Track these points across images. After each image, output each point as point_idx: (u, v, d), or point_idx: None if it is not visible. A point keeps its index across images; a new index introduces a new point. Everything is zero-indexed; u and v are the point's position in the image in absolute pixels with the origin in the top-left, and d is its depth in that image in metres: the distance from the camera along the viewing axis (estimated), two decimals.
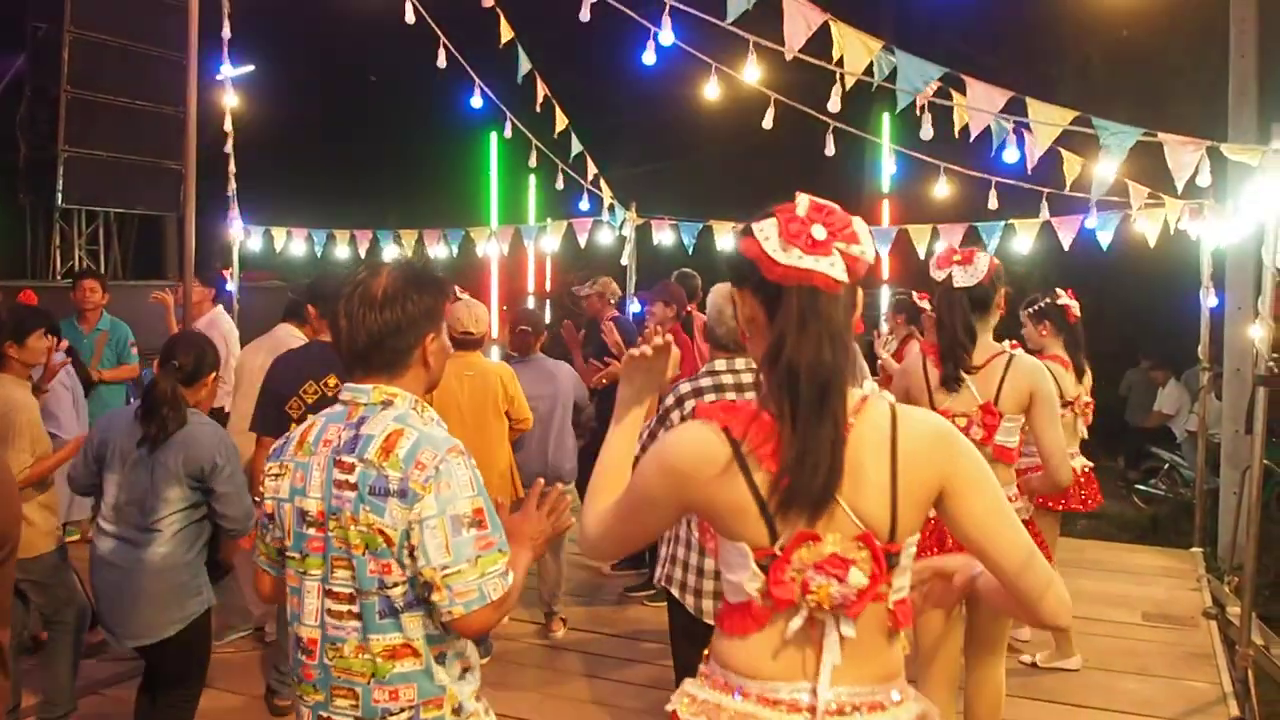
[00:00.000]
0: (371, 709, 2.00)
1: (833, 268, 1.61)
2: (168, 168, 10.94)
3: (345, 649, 2.01)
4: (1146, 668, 5.10)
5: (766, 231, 1.63)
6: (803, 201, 1.66)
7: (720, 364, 3.28)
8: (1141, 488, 10.81)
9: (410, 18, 5.74)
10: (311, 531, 2.03)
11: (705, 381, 3.25)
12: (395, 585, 1.97)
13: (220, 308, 6.83)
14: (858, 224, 1.66)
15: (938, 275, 3.41)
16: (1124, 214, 6.84)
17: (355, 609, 1.99)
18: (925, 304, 5.77)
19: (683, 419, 3.26)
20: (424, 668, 2.01)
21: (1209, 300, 7.10)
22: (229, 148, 6.86)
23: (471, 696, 2.10)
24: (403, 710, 2.00)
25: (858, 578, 1.59)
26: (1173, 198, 6.27)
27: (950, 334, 3.35)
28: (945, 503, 1.66)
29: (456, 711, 2.05)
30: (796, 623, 1.63)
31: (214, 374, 3.63)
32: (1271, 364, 4.92)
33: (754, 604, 1.66)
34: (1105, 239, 7.15)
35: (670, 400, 3.26)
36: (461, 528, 1.94)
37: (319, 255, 9.21)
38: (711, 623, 3.02)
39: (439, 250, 8.78)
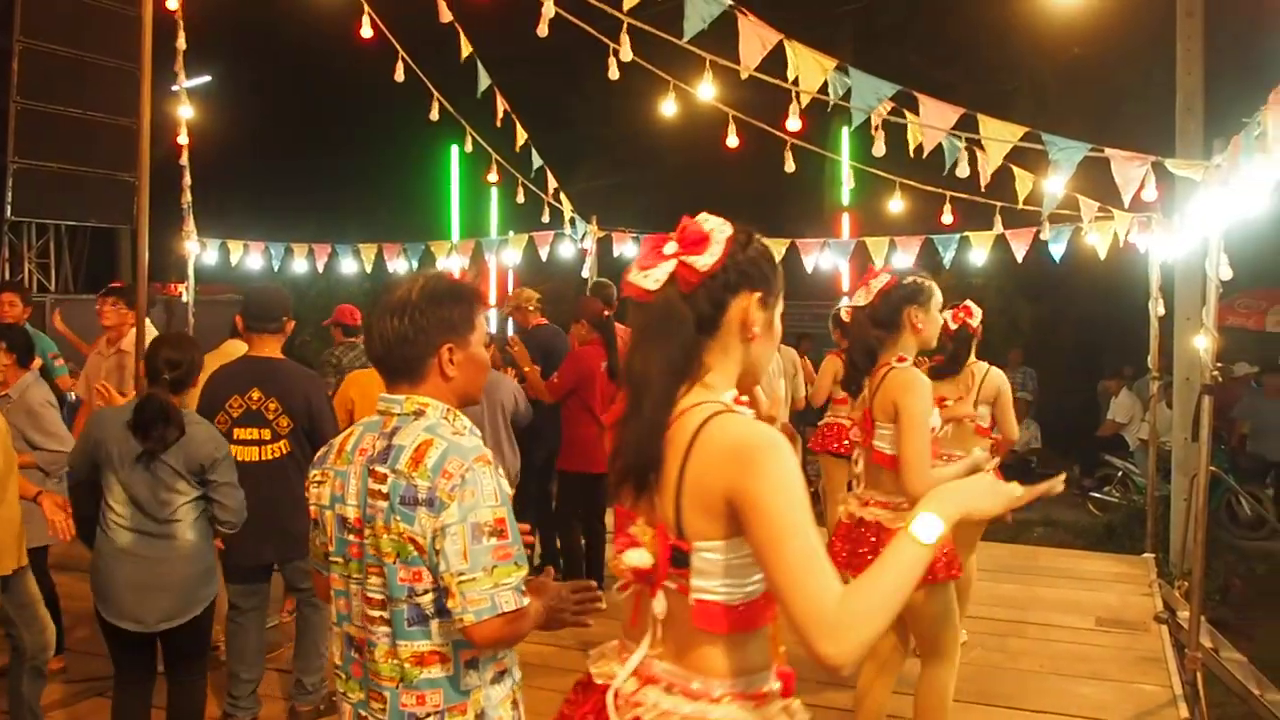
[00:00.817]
0: (399, 713, 2.04)
1: (645, 279, 1.76)
2: (121, 180, 10.82)
3: (376, 654, 2.05)
4: (1100, 672, 5.19)
5: (636, 259, 1.82)
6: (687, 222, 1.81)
7: None
8: (1096, 495, 10.99)
9: (368, 32, 5.73)
10: (351, 538, 2.08)
11: None
12: (425, 593, 2.01)
13: (148, 324, 6.72)
14: (717, 234, 1.75)
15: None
16: (1075, 227, 6.99)
17: (386, 615, 2.04)
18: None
19: None
20: (451, 674, 2.04)
21: (1158, 311, 7.25)
22: (184, 160, 6.79)
23: (503, 703, 2.12)
24: (428, 715, 2.03)
25: (635, 557, 1.75)
26: (1122, 211, 6.41)
27: (850, 349, 3.71)
28: (738, 517, 1.64)
29: (479, 718, 2.08)
30: (628, 589, 1.82)
31: (196, 383, 3.74)
32: (1215, 373, 5.04)
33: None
34: (1057, 251, 7.30)
35: None
36: (481, 536, 1.97)
37: (276, 269, 9.14)
38: None
39: (399, 264, 8.75)
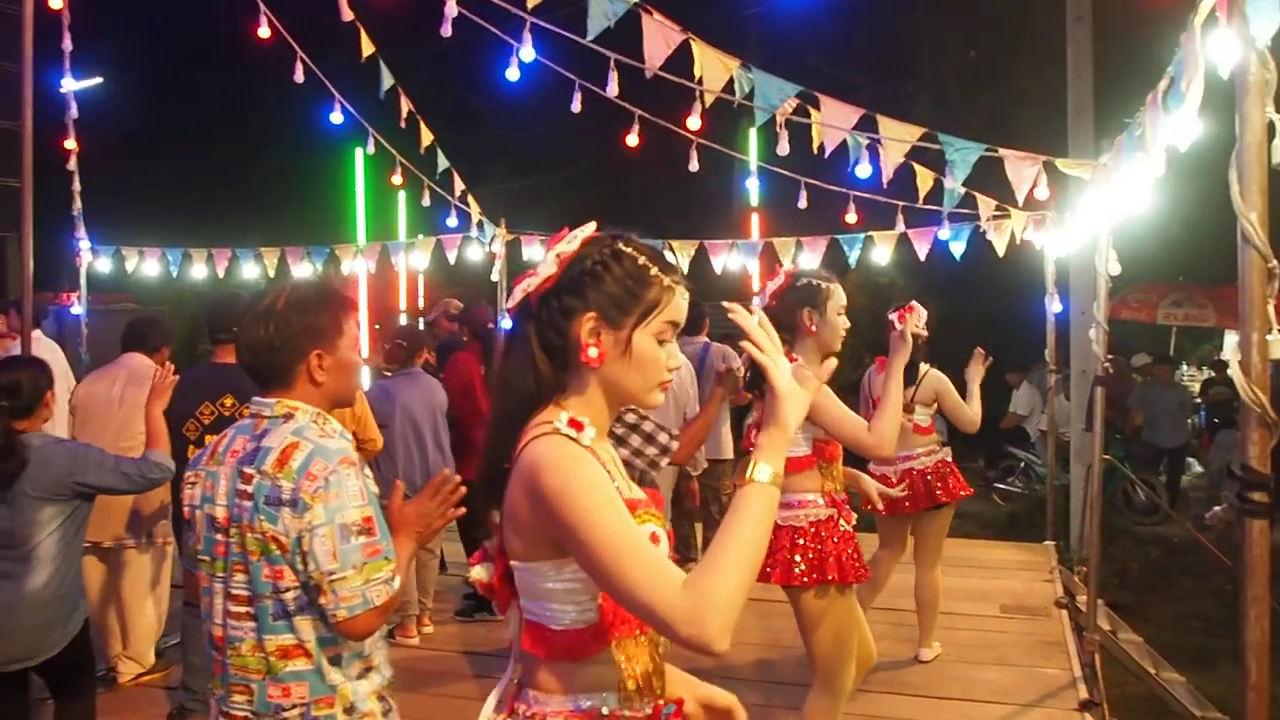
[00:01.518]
0: (265, 704, 2.11)
1: (514, 294, 1.72)
2: (4, 185, 10.38)
3: (243, 648, 2.12)
4: (1004, 658, 5.33)
5: None
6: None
7: None
8: (1000, 486, 11.32)
9: (266, 32, 5.60)
10: (219, 537, 2.14)
11: None
12: (288, 590, 2.08)
13: (39, 335, 6.47)
14: (564, 245, 1.69)
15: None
16: (974, 225, 7.18)
17: (252, 610, 2.10)
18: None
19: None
20: (315, 667, 2.11)
21: (1054, 306, 7.48)
22: (72, 164, 6.55)
23: (370, 697, 2.19)
24: (294, 707, 2.10)
25: (478, 572, 1.82)
26: (1018, 210, 6.60)
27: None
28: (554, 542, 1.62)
29: (349, 710, 2.14)
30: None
31: (50, 391, 3.53)
32: (1107, 365, 5.22)
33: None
34: (958, 249, 7.47)
35: None
36: (350, 535, 2.05)
37: (174, 275, 8.88)
38: None
39: (303, 269, 8.57)
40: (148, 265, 8.77)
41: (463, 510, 2.33)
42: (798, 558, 3.35)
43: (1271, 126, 2.13)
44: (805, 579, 3.33)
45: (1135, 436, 11.52)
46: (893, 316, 5.05)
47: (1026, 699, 4.79)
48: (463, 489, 2.33)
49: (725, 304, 1.77)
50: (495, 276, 8.76)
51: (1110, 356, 5.27)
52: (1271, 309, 2.16)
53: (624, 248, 1.69)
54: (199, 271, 8.91)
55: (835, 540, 3.39)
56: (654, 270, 1.69)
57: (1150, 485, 10.52)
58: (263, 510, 2.06)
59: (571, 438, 1.61)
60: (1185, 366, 15.28)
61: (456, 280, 11.89)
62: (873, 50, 14.85)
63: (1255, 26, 2.03)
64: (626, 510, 1.54)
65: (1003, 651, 5.43)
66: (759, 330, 1.58)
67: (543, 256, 1.70)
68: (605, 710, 1.67)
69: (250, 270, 8.77)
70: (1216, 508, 10.39)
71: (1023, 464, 11.19)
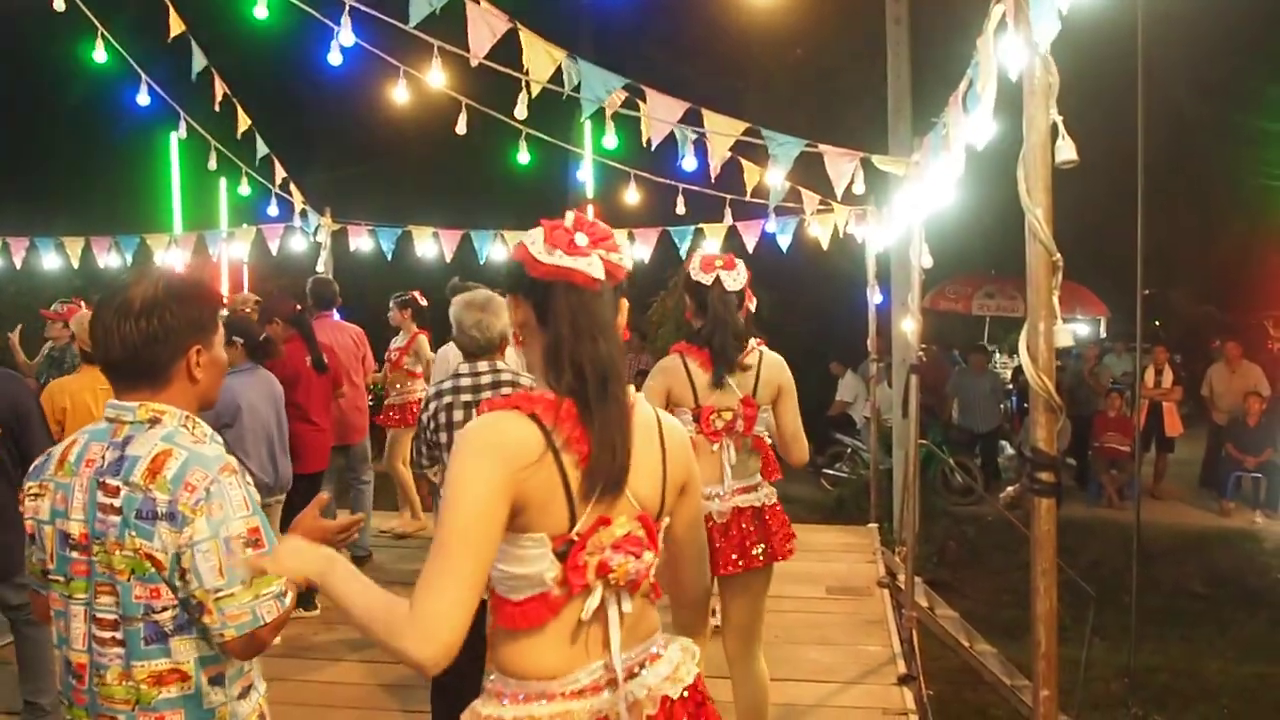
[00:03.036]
0: None
1: (590, 267, 1.73)
2: None
3: (108, 676, 1.94)
4: (828, 637, 5.52)
5: (533, 237, 1.76)
6: (569, 216, 1.79)
7: (464, 368, 3.55)
8: (829, 471, 11.72)
9: (61, 4, 5.23)
10: (75, 555, 1.95)
11: (447, 384, 3.53)
12: (164, 610, 1.92)
13: None
14: (619, 236, 1.82)
15: (704, 279, 3.55)
16: (799, 219, 7.39)
17: (119, 635, 1.93)
18: None
19: (446, 423, 3.45)
20: (191, 692, 1.96)
21: (875, 297, 7.79)
22: None
23: (250, 716, 2.07)
24: None
25: (649, 555, 1.77)
26: (839, 204, 6.83)
27: (724, 334, 3.51)
28: (682, 496, 1.89)
29: None
30: (593, 603, 1.71)
31: None
32: (920, 353, 5.46)
33: (550, 594, 1.70)
34: (784, 242, 7.69)
35: (426, 413, 3.50)
36: (236, 549, 1.90)
37: None
38: None
39: (111, 259, 8.08)
40: None
41: (354, 536, 2.21)
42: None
43: (1055, 127, 2.25)
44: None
45: (952, 422, 12.13)
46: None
47: (849, 676, 4.97)
48: (356, 535, 2.24)
49: None
50: (320, 267, 8.49)
51: (925, 345, 5.52)
52: (1056, 299, 2.28)
53: None
54: None
55: None
56: None
57: (966, 468, 11.11)
58: (134, 525, 1.88)
59: None
60: (998, 354, 16.19)
61: (282, 271, 11.46)
62: (706, 46, 15.08)
63: (1037, 31, 2.14)
64: None
65: (827, 631, 5.61)
66: None
67: (601, 241, 1.78)
68: None
69: (51, 260, 8.20)
70: (1010, 488, 11.09)
71: (849, 450, 11.62)
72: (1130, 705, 6.11)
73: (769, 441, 3.74)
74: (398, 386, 7.12)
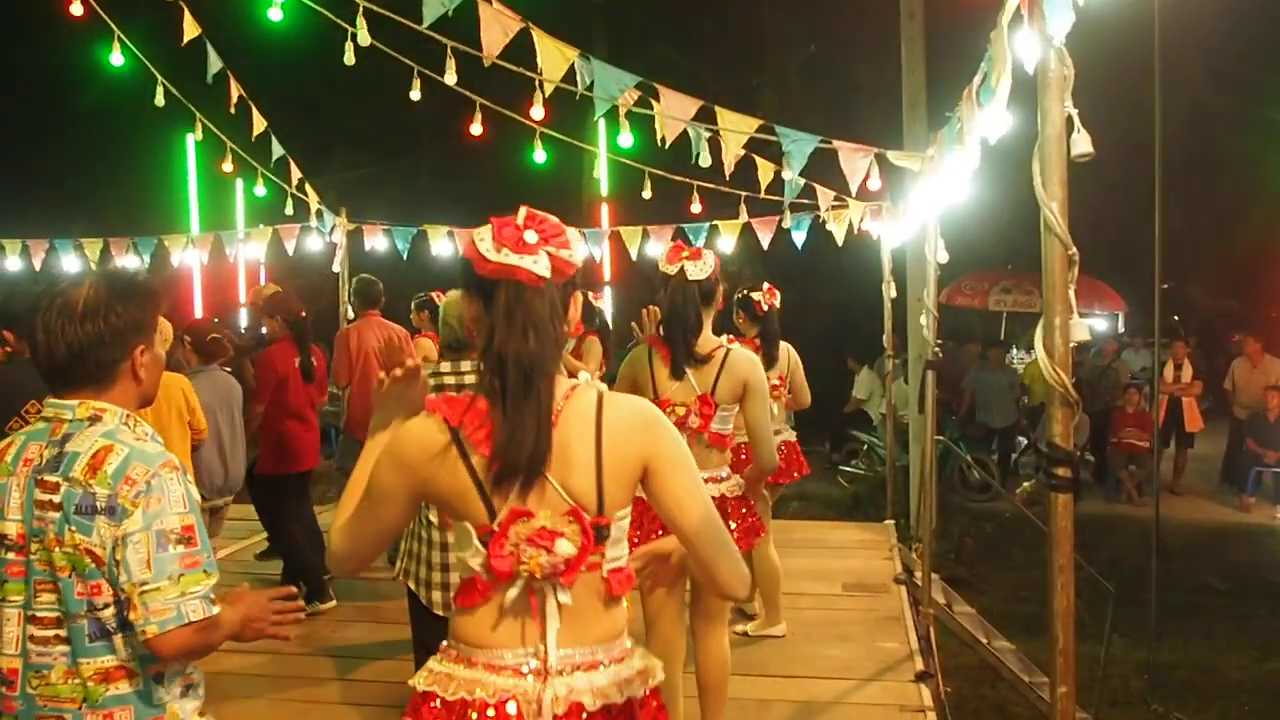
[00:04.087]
0: None
1: (535, 265, 1.76)
2: None
3: (52, 675, 1.93)
4: (846, 634, 5.50)
5: (482, 234, 1.79)
6: (521, 212, 1.81)
7: (445, 365, 3.51)
8: (845, 468, 11.70)
9: (78, 9, 5.27)
10: (11, 556, 1.94)
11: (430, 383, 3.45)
12: (106, 606, 1.91)
13: None
14: (571, 233, 1.83)
15: (669, 269, 3.55)
16: (814, 215, 7.37)
17: (63, 633, 1.92)
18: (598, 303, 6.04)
19: None
20: (141, 688, 1.96)
21: (890, 293, 7.76)
22: None
23: (194, 714, 2.06)
24: None
25: (565, 548, 1.75)
26: (855, 200, 6.81)
27: (682, 324, 3.51)
28: (649, 479, 1.83)
29: None
30: (514, 593, 1.77)
31: None
32: (936, 349, 5.44)
33: (479, 578, 1.81)
34: (799, 239, 7.68)
35: None
36: (168, 544, 1.89)
37: None
38: (442, 613, 3.26)
39: (129, 260, 8.13)
40: None
41: (288, 635, 2.18)
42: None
43: (1070, 120, 2.24)
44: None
45: (970, 418, 12.08)
46: (757, 296, 5.19)
47: (866, 673, 4.95)
48: (302, 616, 2.25)
49: None
50: (337, 267, 8.52)
51: (941, 341, 5.50)
52: (1072, 294, 2.27)
53: None
54: (13, 264, 8.37)
55: None
56: None
57: (982, 464, 11.06)
58: (73, 521, 1.88)
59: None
60: (1015, 350, 16.11)
61: (299, 272, 11.52)
62: (719, 43, 15.06)
63: (1051, 25, 2.14)
64: None
65: (844, 628, 5.60)
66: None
67: (551, 237, 1.79)
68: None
69: (70, 262, 8.27)
70: (1026, 483, 11.02)
71: (865, 446, 11.59)
72: (1150, 702, 6.08)
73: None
74: None
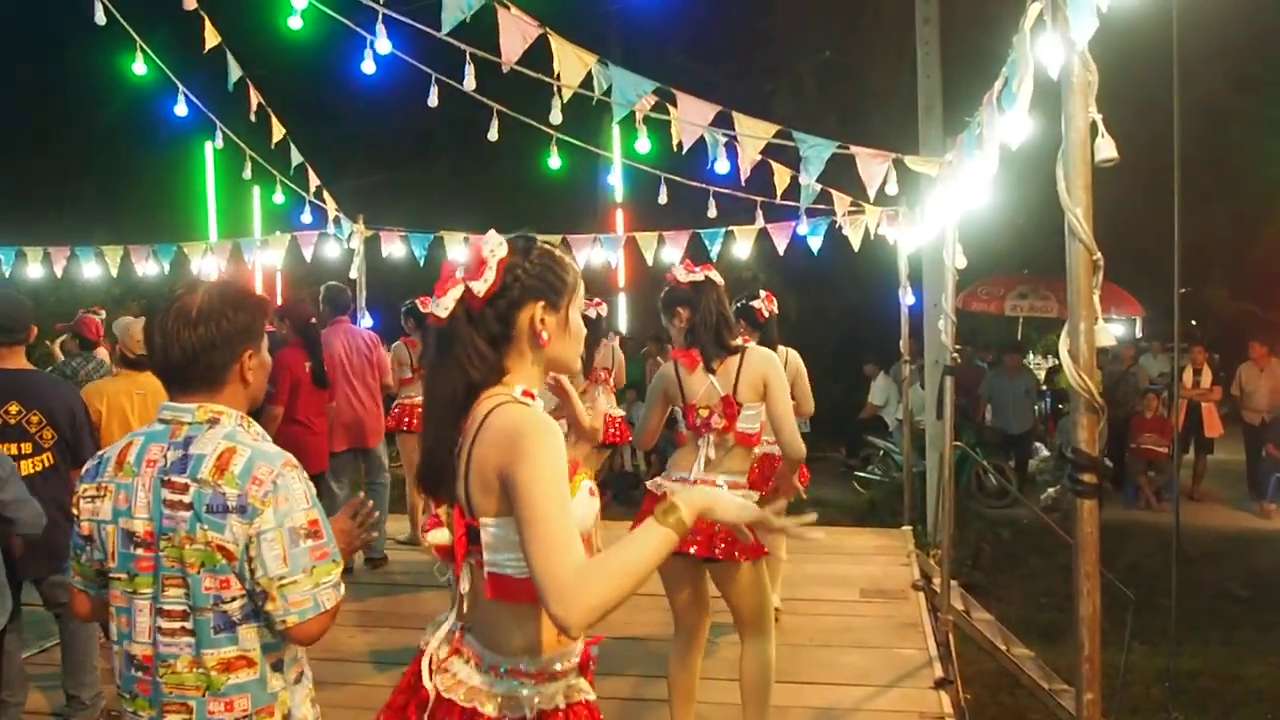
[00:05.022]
0: None
1: (437, 308, 1.90)
2: None
3: (178, 665, 2.05)
4: (863, 640, 5.49)
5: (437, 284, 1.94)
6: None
7: None
8: (860, 474, 11.66)
9: (101, 18, 5.31)
10: (140, 552, 2.06)
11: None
12: (233, 600, 2.04)
13: None
14: (492, 257, 1.89)
15: (694, 277, 3.74)
16: (830, 220, 7.37)
17: (189, 625, 2.04)
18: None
19: None
20: (259, 677, 2.09)
21: (907, 299, 7.74)
22: None
23: (304, 702, 2.19)
24: None
25: (436, 536, 1.94)
26: (871, 205, 6.80)
27: (715, 329, 3.68)
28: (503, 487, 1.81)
29: (287, 718, 2.14)
30: (442, 567, 2.00)
31: None
32: (955, 355, 5.42)
33: None
34: (815, 244, 7.67)
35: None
36: (299, 539, 2.02)
37: (7, 274, 8.37)
38: None
39: (149, 267, 8.18)
40: None
41: (375, 535, 2.37)
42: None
43: (1094, 125, 2.23)
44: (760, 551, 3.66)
45: (985, 423, 12.03)
46: (757, 303, 5.20)
47: (885, 679, 4.94)
48: (377, 514, 2.43)
49: None
50: (354, 273, 8.56)
51: (959, 346, 5.48)
52: (1097, 299, 2.26)
53: (540, 245, 1.97)
54: (34, 271, 8.43)
55: None
56: (566, 258, 1.99)
57: (1000, 470, 11.00)
58: (205, 520, 2.00)
59: (529, 405, 1.87)
60: (1032, 355, 16.04)
61: (316, 278, 11.56)
62: (733, 49, 15.07)
63: (1075, 29, 2.13)
64: (566, 484, 1.77)
65: (862, 634, 5.58)
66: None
67: (467, 267, 1.90)
68: (555, 667, 1.92)
69: (91, 269, 8.33)
70: (1051, 489, 10.95)
71: (882, 452, 11.55)
72: (1171, 710, 6.03)
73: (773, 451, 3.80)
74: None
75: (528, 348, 1.93)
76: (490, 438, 1.82)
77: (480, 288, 1.87)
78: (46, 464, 4.06)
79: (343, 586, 2.13)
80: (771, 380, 3.66)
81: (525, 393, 1.90)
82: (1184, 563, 8.41)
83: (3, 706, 4.08)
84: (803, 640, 5.45)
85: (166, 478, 2.04)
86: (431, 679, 1.92)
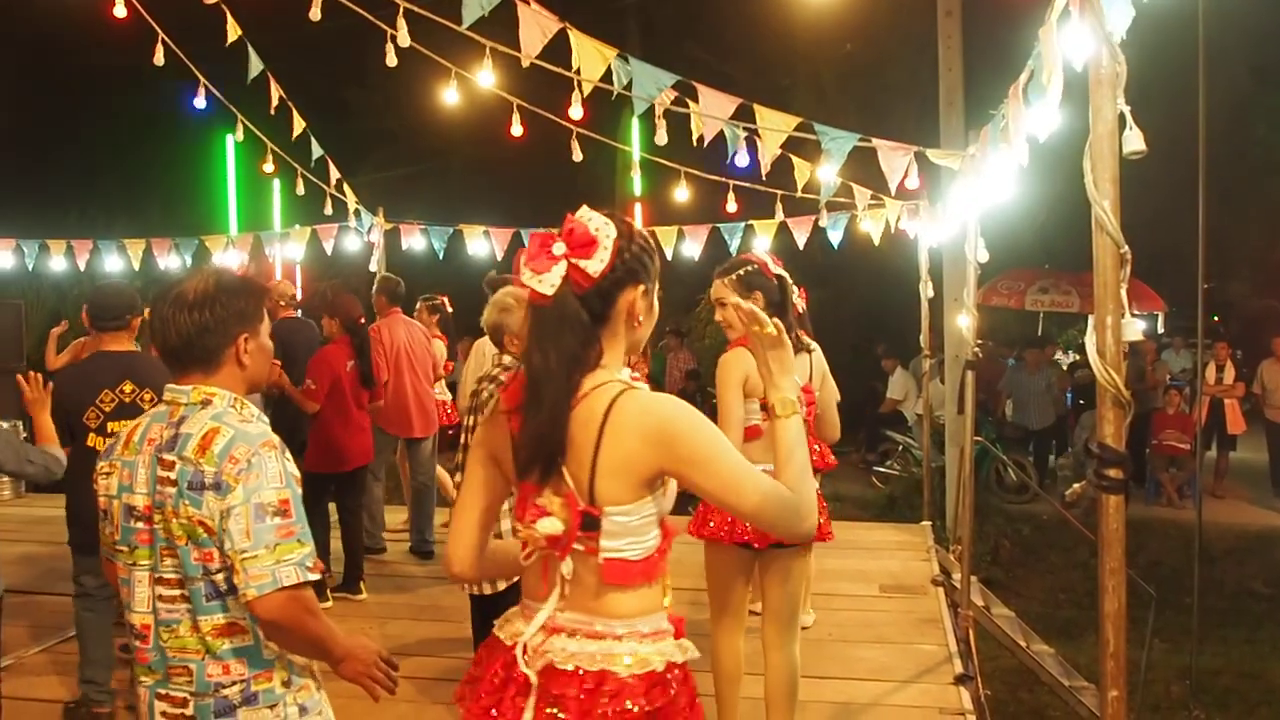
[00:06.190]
0: (205, 683, 2.13)
1: (541, 284, 1.89)
2: None
3: (180, 629, 2.14)
4: (883, 636, 5.47)
5: (525, 255, 1.93)
6: (564, 224, 1.93)
7: (508, 359, 3.85)
8: (879, 469, 11.62)
9: (122, 11, 5.34)
10: (140, 525, 2.15)
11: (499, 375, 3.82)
12: (219, 571, 2.10)
13: None
14: (603, 237, 1.90)
15: (780, 271, 3.80)
16: (851, 214, 7.34)
17: (185, 593, 2.13)
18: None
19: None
20: (253, 643, 2.15)
21: (928, 293, 7.70)
22: None
23: (304, 670, 2.24)
24: (234, 683, 2.14)
25: (546, 526, 1.90)
26: (892, 199, 6.76)
27: (788, 324, 3.69)
28: (684, 482, 1.91)
29: (286, 684, 2.19)
30: (533, 557, 1.97)
31: None
32: (976, 349, 5.39)
33: (517, 535, 2.01)
34: (835, 238, 7.64)
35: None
36: (265, 515, 2.07)
37: (30, 268, 8.44)
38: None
39: (171, 260, 8.23)
40: (1, 257, 8.32)
41: (378, 698, 2.34)
42: None
43: (1122, 117, 2.21)
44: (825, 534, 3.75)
45: (1005, 418, 11.96)
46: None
47: (904, 675, 4.92)
48: (394, 691, 2.36)
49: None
50: (374, 266, 8.58)
51: (980, 341, 5.44)
52: (1124, 293, 2.24)
53: (636, 227, 2.01)
54: (58, 264, 8.49)
55: None
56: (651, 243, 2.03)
57: (1020, 465, 10.95)
58: (186, 495, 2.08)
59: (644, 389, 1.93)
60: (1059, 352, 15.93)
61: (335, 271, 11.61)
62: (750, 43, 15.01)
63: (1109, 20, 2.11)
64: (727, 437, 1.90)
65: (881, 630, 5.56)
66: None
67: (569, 244, 1.89)
68: (660, 628, 1.99)
69: (113, 262, 8.39)
70: (1075, 485, 10.85)
71: (901, 447, 11.51)
72: (1192, 707, 6.00)
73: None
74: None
75: (621, 329, 1.96)
76: (631, 429, 1.86)
77: (595, 268, 1.88)
78: None
79: (311, 573, 2.12)
80: (825, 370, 3.94)
81: (634, 377, 1.96)
82: (1206, 560, 8.35)
83: (95, 665, 4.30)
84: (822, 635, 5.43)
85: (160, 455, 2.14)
86: (529, 665, 1.93)
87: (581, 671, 1.90)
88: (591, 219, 1.91)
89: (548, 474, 1.91)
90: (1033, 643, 5.88)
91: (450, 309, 7.44)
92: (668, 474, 1.90)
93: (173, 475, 2.11)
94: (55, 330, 7.21)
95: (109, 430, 4.16)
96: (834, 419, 4.00)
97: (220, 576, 2.11)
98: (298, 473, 2.19)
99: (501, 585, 3.80)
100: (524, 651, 1.95)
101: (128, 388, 4.19)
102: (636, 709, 1.88)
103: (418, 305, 7.33)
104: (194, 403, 2.18)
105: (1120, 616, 2.27)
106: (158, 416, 2.22)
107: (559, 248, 1.89)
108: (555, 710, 1.89)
